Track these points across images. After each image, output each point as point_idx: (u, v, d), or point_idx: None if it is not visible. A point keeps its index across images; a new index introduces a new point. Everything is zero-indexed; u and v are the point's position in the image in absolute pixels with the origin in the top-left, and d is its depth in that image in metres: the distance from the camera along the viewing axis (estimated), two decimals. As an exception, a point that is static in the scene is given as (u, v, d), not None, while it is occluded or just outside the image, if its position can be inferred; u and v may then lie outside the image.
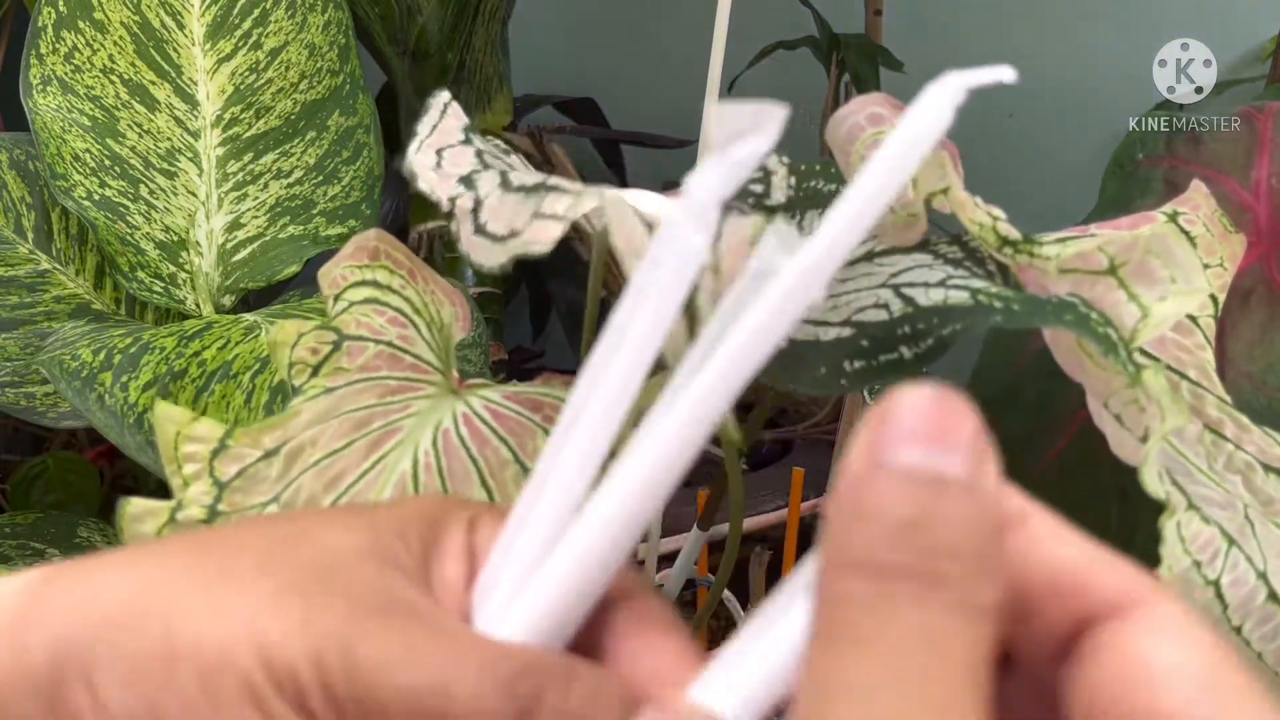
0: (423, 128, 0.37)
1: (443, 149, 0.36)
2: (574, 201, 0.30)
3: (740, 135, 0.24)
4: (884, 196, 0.22)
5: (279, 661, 0.21)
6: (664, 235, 0.24)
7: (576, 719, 0.21)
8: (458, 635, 0.22)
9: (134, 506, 0.32)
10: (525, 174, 0.35)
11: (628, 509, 0.23)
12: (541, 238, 0.30)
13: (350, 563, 0.23)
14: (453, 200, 0.33)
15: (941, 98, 0.23)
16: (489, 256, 0.31)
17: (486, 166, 0.35)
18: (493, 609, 0.24)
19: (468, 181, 0.34)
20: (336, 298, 0.37)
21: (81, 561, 0.24)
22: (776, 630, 0.21)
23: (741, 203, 0.37)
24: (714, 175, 0.24)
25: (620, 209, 0.28)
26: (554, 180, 0.32)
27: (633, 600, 0.24)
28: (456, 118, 0.38)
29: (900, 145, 0.22)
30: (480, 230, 0.32)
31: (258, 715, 0.21)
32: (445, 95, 0.39)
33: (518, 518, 0.24)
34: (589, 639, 0.24)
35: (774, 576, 0.72)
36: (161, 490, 0.34)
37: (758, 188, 0.42)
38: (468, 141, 0.37)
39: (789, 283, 0.22)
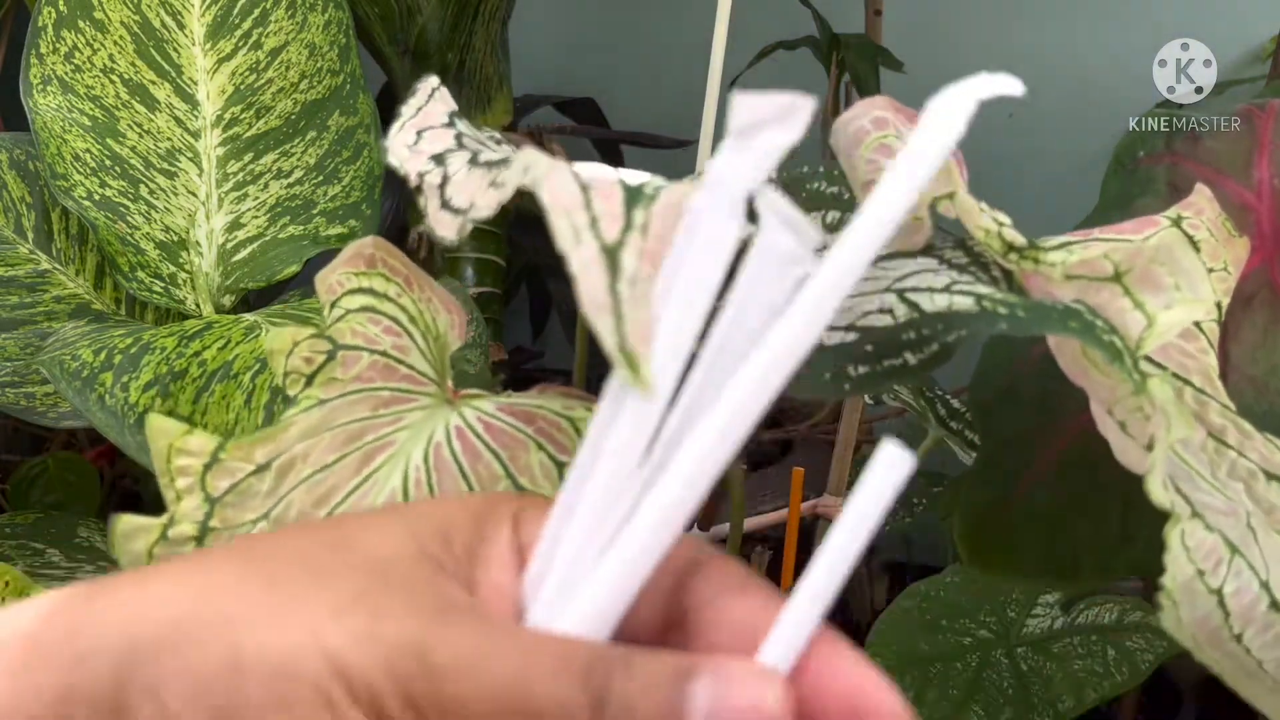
0: (407, 109, 0.38)
1: (424, 130, 0.37)
2: (519, 171, 0.30)
3: (762, 125, 0.24)
4: (902, 205, 0.23)
5: (352, 670, 0.21)
6: (693, 222, 0.24)
7: (641, 698, 0.21)
8: (524, 634, 0.23)
9: (125, 524, 0.32)
10: (497, 153, 0.35)
11: (674, 502, 0.23)
12: (487, 204, 0.31)
13: (399, 567, 0.23)
14: (421, 176, 0.33)
15: (950, 107, 0.23)
16: (450, 230, 0.31)
17: (462, 148, 0.35)
18: (543, 605, 0.24)
19: (439, 159, 0.34)
20: (333, 305, 0.37)
21: (127, 575, 0.24)
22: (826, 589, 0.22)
23: None
24: (739, 163, 0.24)
25: (552, 166, 0.28)
26: (517, 154, 0.33)
27: (705, 568, 0.25)
28: (443, 103, 0.38)
29: (913, 157, 0.23)
30: (445, 205, 0.32)
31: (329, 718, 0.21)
32: (434, 80, 0.39)
33: (561, 510, 0.24)
34: (670, 613, 0.25)
35: (774, 576, 0.72)
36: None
37: None
38: (450, 125, 0.37)
39: (817, 297, 0.23)
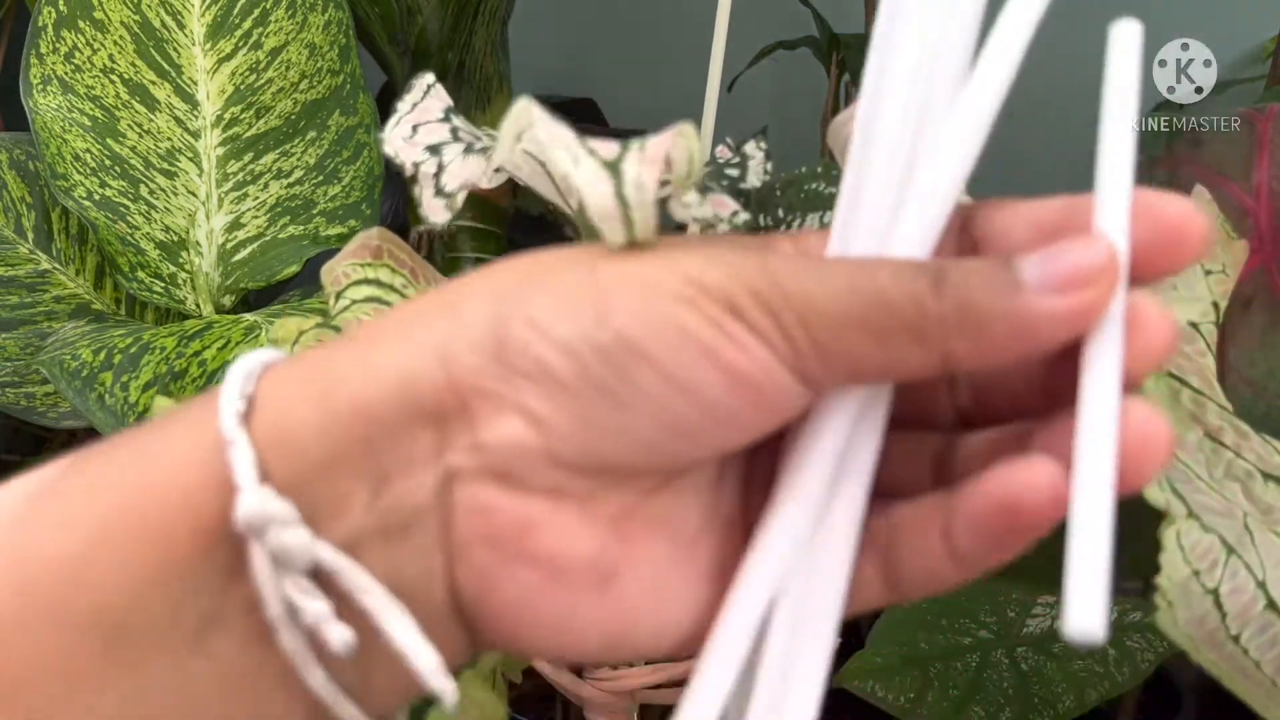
0: (403, 105, 0.38)
1: (419, 124, 0.37)
2: (509, 136, 0.30)
3: None
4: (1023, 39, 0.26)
5: (706, 280, 0.23)
6: None
7: (975, 273, 0.23)
8: (851, 258, 0.25)
9: None
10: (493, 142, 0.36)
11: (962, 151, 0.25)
12: (474, 175, 0.32)
13: (713, 243, 0.25)
14: (416, 165, 0.34)
15: None
16: (442, 214, 0.32)
17: (458, 140, 0.36)
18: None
19: (434, 149, 0.35)
20: (338, 295, 0.37)
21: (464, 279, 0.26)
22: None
23: (716, 184, 0.38)
24: None
25: (543, 118, 0.28)
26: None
27: (982, 205, 0.26)
28: (439, 99, 0.39)
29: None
30: (439, 192, 0.33)
31: (692, 310, 0.23)
32: (429, 77, 0.40)
33: (846, 197, 0.26)
34: (960, 250, 0.26)
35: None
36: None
37: (733, 171, 0.42)
38: (446, 119, 0.38)
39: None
